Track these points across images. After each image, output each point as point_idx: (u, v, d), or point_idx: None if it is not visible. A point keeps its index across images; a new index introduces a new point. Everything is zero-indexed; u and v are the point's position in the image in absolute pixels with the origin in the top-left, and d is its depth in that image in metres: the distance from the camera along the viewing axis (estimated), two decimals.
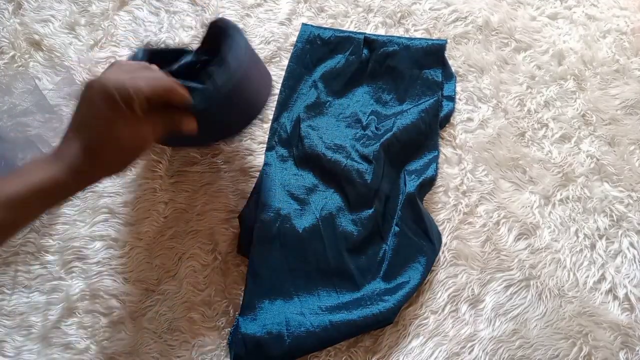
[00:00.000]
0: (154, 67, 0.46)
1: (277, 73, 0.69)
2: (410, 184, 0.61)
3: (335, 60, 0.68)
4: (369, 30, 0.72)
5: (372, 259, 0.58)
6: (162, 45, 0.59)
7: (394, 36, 0.70)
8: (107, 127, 0.40)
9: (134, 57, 0.55)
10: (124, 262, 0.58)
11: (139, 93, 0.40)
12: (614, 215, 0.62)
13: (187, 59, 0.56)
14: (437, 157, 0.64)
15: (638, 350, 0.55)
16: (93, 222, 0.59)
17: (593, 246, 0.60)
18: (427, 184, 0.62)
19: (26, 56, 0.68)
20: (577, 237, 0.61)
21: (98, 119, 0.40)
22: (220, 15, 0.55)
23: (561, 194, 0.63)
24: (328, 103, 0.67)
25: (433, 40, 0.69)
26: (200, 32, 0.71)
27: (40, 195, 0.38)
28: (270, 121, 0.65)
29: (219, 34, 0.54)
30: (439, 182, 0.63)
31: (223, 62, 0.50)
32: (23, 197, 0.37)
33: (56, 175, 0.39)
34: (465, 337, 0.56)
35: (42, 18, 0.71)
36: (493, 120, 0.67)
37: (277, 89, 0.67)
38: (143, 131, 0.42)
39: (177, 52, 0.57)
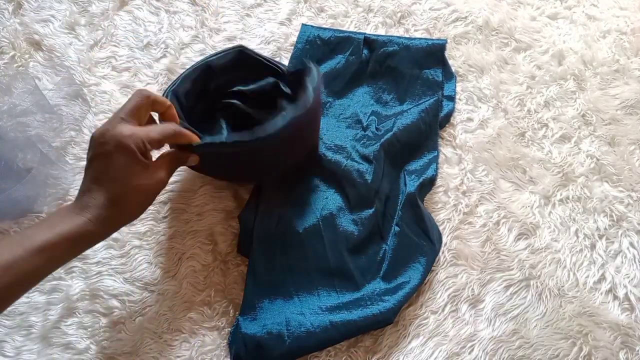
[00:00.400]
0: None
1: None
2: (411, 184, 0.61)
3: (335, 60, 0.68)
4: (369, 30, 0.72)
5: (372, 259, 0.58)
6: (258, 51, 0.61)
7: (394, 36, 0.70)
8: (128, 178, 0.44)
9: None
10: (124, 262, 0.58)
11: (153, 143, 0.45)
12: (614, 215, 0.62)
13: (266, 82, 0.60)
14: (437, 157, 0.64)
15: (638, 350, 0.55)
16: None
17: (593, 246, 0.60)
18: (428, 184, 0.62)
19: (26, 56, 0.68)
20: (577, 237, 0.61)
21: (119, 171, 0.43)
22: (311, 65, 0.57)
23: (561, 194, 0.63)
24: (328, 104, 0.67)
25: (433, 40, 0.69)
26: (200, 32, 0.71)
27: (69, 244, 0.41)
28: None
29: (303, 85, 0.55)
30: (439, 182, 0.63)
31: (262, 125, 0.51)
32: (53, 245, 0.40)
33: (84, 226, 0.42)
34: (465, 337, 0.56)
35: (42, 18, 0.71)
36: (493, 120, 0.67)
37: None
38: (159, 174, 0.47)
39: (266, 68, 0.60)
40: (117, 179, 0.43)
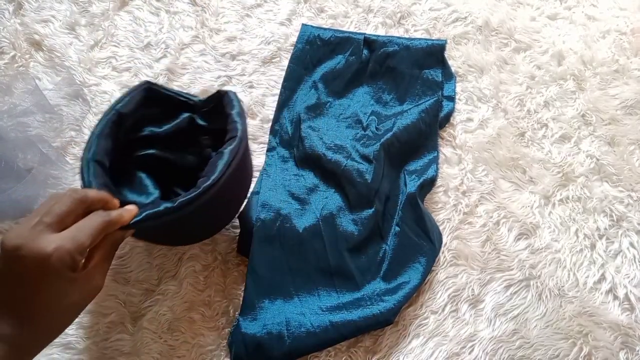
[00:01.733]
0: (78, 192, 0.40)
1: (277, 73, 0.69)
2: (411, 184, 0.61)
3: (335, 60, 0.68)
4: (369, 30, 0.72)
5: (372, 259, 0.58)
6: (164, 86, 0.54)
7: (394, 36, 0.70)
8: (52, 301, 0.36)
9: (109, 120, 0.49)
10: (124, 262, 0.58)
11: (82, 252, 0.36)
12: (614, 215, 0.62)
13: (183, 118, 0.54)
14: (436, 157, 0.64)
15: (638, 350, 0.55)
16: None
17: (593, 246, 0.60)
18: (428, 185, 0.62)
19: (26, 56, 0.68)
20: (577, 237, 0.61)
21: (39, 296, 0.35)
22: (229, 89, 0.52)
23: (561, 194, 0.63)
24: (328, 104, 0.67)
25: (433, 40, 0.69)
26: (200, 32, 0.71)
27: None
28: (271, 122, 0.66)
29: (223, 115, 0.51)
30: (439, 182, 0.63)
31: (197, 185, 0.45)
32: None
33: None
34: (466, 337, 0.56)
35: (42, 18, 0.71)
36: (493, 120, 0.67)
37: (277, 89, 0.67)
38: (93, 283, 0.39)
39: (177, 103, 0.54)
40: (36, 303, 0.35)
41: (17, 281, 0.35)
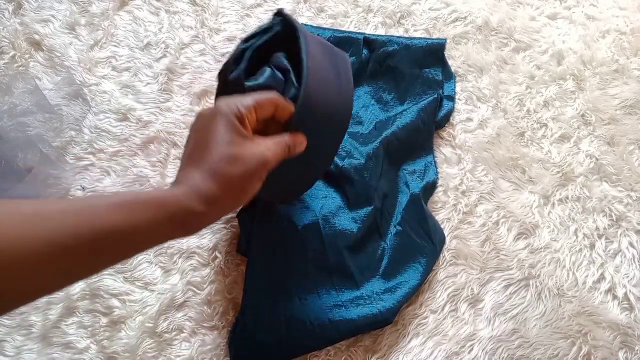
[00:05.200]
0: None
1: None
2: (414, 185, 0.61)
3: None
4: (369, 30, 0.72)
5: (371, 257, 0.58)
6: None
7: (394, 36, 0.70)
8: (224, 145, 0.38)
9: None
10: (124, 262, 0.58)
11: (248, 107, 0.40)
12: (614, 215, 0.62)
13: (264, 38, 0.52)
14: (434, 159, 0.64)
15: (637, 350, 0.55)
16: None
17: (593, 246, 0.60)
18: (431, 187, 0.62)
19: (27, 56, 0.68)
20: (577, 237, 0.61)
21: (213, 138, 0.38)
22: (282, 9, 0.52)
23: (561, 194, 0.63)
24: None
25: (433, 39, 0.69)
26: (200, 32, 0.71)
27: (160, 210, 0.33)
28: None
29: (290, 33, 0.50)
30: (438, 182, 0.63)
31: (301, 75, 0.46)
32: (140, 204, 0.33)
33: (179, 195, 0.34)
34: (465, 336, 0.56)
35: (42, 18, 0.71)
36: (493, 121, 0.67)
37: None
38: (259, 148, 0.40)
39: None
40: (211, 147, 0.37)
41: (199, 134, 0.39)
